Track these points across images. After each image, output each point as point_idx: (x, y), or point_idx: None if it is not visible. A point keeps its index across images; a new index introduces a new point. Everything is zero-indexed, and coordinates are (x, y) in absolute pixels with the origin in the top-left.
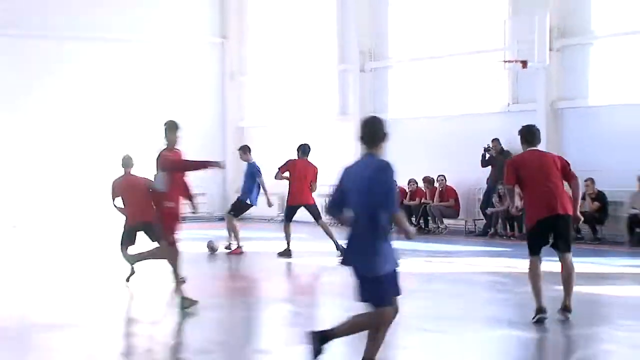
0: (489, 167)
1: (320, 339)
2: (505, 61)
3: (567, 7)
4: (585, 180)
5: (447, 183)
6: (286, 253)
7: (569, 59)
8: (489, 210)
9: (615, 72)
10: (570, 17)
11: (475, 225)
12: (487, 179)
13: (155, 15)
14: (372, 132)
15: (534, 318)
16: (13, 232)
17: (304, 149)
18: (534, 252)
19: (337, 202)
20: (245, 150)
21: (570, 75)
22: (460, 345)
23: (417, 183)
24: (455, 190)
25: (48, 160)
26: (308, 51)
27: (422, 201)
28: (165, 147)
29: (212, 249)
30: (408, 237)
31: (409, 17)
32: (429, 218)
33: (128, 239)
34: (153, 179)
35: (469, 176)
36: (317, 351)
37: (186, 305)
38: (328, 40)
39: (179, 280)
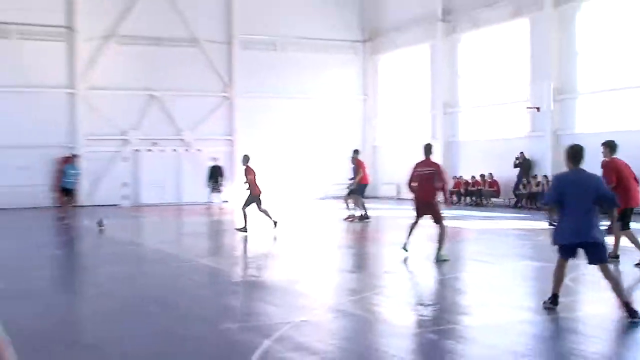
0: (518, 168)
1: (631, 311)
2: (527, 107)
3: (562, 77)
4: None
5: (494, 177)
6: (365, 217)
7: (564, 106)
8: (518, 192)
9: (591, 114)
10: (564, 82)
11: (509, 201)
12: (517, 175)
13: (324, 82)
14: (580, 155)
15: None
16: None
17: (356, 152)
18: (627, 227)
19: (556, 199)
20: (355, 153)
21: (565, 116)
22: (502, 270)
23: (475, 177)
24: (497, 181)
25: (270, 169)
26: (412, 102)
27: (478, 188)
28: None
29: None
30: (612, 225)
31: (470, 81)
32: (482, 197)
33: (248, 204)
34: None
35: (506, 173)
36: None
37: (441, 259)
38: (423, 95)
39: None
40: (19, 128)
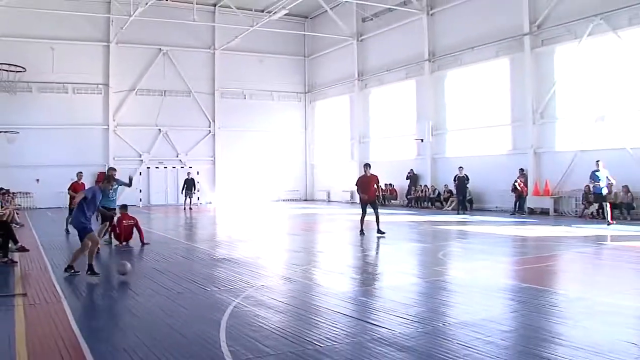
0: (408, 180)
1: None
2: (415, 139)
3: (439, 117)
4: None
5: (393, 186)
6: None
7: (439, 138)
8: (409, 196)
9: (454, 143)
10: (439, 121)
11: (403, 202)
12: (408, 184)
13: (277, 120)
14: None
15: None
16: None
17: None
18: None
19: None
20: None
21: (439, 145)
22: (399, 249)
23: (382, 186)
24: (396, 189)
25: (240, 181)
26: (338, 134)
27: (383, 193)
28: None
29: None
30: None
31: (568, 89)
32: (385, 200)
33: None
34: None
35: (401, 183)
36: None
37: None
38: (345, 129)
39: None
40: (69, 152)
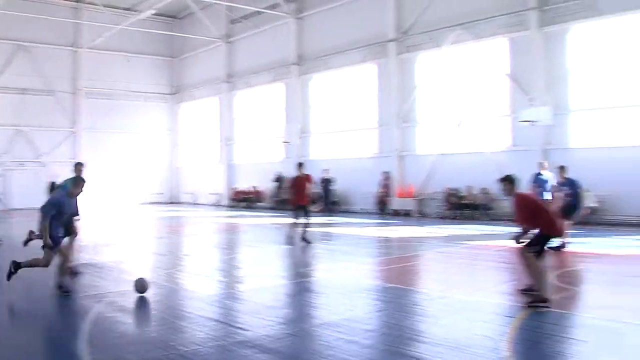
0: (276, 182)
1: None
2: (283, 142)
3: (305, 120)
4: None
5: (260, 189)
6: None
7: (305, 140)
8: (275, 199)
9: (320, 146)
10: (305, 124)
11: (269, 204)
12: (275, 187)
13: (143, 121)
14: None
15: None
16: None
17: (300, 165)
18: None
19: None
20: None
21: (304, 147)
22: (265, 251)
23: (248, 188)
24: (262, 191)
25: (105, 183)
26: (205, 136)
27: (250, 195)
28: None
29: None
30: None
31: (429, 94)
32: (252, 202)
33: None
34: None
35: (268, 186)
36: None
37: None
38: (214, 131)
39: None
40: None
